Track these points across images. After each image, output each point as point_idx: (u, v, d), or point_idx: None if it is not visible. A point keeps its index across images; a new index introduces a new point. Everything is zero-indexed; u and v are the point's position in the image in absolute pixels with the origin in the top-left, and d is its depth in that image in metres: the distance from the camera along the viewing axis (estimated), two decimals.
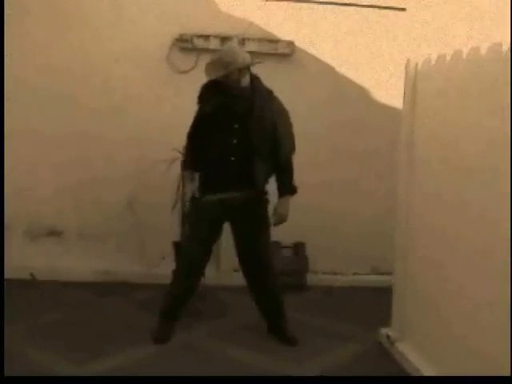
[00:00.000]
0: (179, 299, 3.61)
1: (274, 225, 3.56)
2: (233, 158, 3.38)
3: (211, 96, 3.43)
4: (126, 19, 4.63)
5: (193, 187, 3.52)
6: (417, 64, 3.33)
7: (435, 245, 3.09)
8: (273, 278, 3.62)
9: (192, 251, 3.51)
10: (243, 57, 3.39)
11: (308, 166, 4.82)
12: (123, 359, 3.25)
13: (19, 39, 4.53)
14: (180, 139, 4.39)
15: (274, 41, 4.67)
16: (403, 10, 3.80)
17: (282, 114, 3.55)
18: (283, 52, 4.69)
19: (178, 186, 4.34)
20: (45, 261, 4.63)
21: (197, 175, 3.54)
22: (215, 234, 3.57)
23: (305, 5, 4.72)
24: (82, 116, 4.64)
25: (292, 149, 3.58)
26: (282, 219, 3.55)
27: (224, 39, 4.61)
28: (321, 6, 4.72)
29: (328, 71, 4.78)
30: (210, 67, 3.38)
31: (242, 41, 4.62)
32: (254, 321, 3.85)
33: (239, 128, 3.39)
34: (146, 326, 3.76)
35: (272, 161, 3.47)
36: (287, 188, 3.57)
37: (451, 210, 2.91)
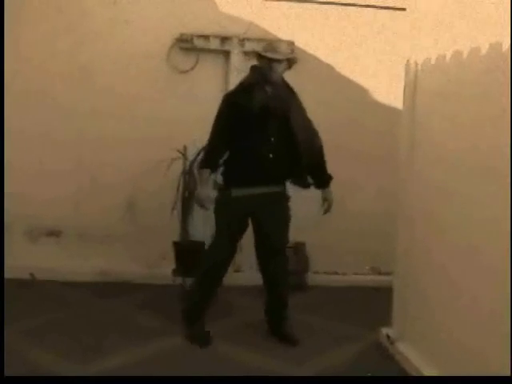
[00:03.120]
0: (207, 297, 3.62)
1: (324, 213, 3.79)
2: (271, 156, 3.47)
3: (250, 94, 3.49)
4: (126, 19, 4.63)
5: (205, 192, 3.51)
6: (417, 64, 3.33)
7: (435, 245, 3.09)
8: (287, 274, 3.71)
9: (222, 248, 3.54)
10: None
11: None
12: (123, 359, 3.25)
13: (19, 39, 4.53)
14: (180, 139, 4.42)
15: (274, 41, 4.66)
16: (403, 9, 3.79)
17: (305, 110, 3.69)
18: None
19: (178, 187, 4.35)
20: (45, 261, 4.63)
21: (211, 177, 3.55)
22: (243, 229, 3.62)
23: (305, 5, 4.72)
24: (82, 117, 4.64)
25: (321, 143, 3.77)
26: (330, 207, 3.76)
27: (224, 39, 4.62)
28: (321, 6, 4.72)
29: (328, 71, 4.78)
30: (270, 48, 3.52)
31: (242, 41, 4.63)
32: (255, 321, 3.86)
33: (278, 126, 3.50)
34: (146, 326, 3.77)
35: (305, 156, 3.59)
36: (328, 178, 3.75)
37: (451, 210, 2.91)
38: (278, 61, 3.48)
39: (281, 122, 3.48)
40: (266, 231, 3.59)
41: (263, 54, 3.51)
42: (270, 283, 3.67)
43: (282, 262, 3.65)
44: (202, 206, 3.56)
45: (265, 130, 3.46)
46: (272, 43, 3.69)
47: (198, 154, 4.37)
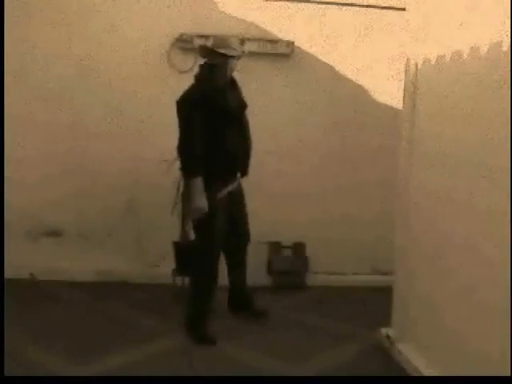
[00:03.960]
0: (211, 299, 3.70)
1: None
2: (239, 151, 3.60)
3: (220, 93, 3.54)
4: (126, 19, 4.63)
5: (203, 199, 3.44)
6: (417, 64, 3.33)
7: (435, 245, 3.09)
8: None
9: (217, 249, 3.67)
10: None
11: (307, 167, 4.83)
12: (123, 359, 3.25)
13: (19, 38, 4.53)
14: None
15: (274, 41, 4.67)
16: (403, 9, 3.79)
17: None
18: (283, 52, 4.69)
19: (178, 187, 4.35)
20: (45, 261, 4.63)
21: (201, 182, 3.45)
22: (228, 225, 3.71)
23: (305, 5, 4.71)
24: (82, 116, 4.64)
25: None
26: None
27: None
28: (321, 6, 4.72)
29: (328, 71, 4.78)
30: (224, 45, 3.52)
31: (242, 41, 4.62)
32: (254, 321, 3.86)
33: (239, 122, 3.63)
34: (146, 326, 3.77)
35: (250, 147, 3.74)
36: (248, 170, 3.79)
37: (451, 210, 2.91)
38: (233, 57, 3.56)
39: (240, 118, 3.65)
40: (240, 221, 3.82)
41: (220, 51, 3.50)
42: (239, 265, 3.95)
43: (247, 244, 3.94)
44: (200, 214, 3.50)
45: (233, 128, 3.57)
46: (224, 39, 3.66)
47: None
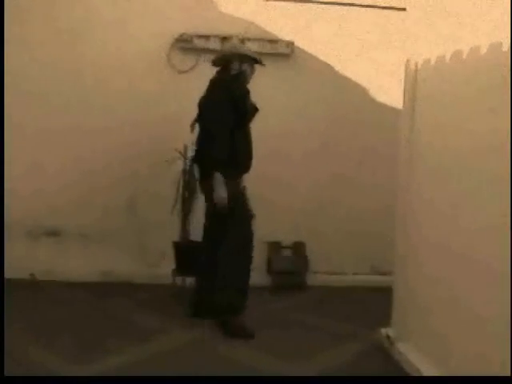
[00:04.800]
0: (248, 282, 3.76)
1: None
2: (251, 146, 3.80)
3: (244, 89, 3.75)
4: (126, 19, 4.63)
5: (225, 192, 3.59)
6: (417, 64, 3.33)
7: (435, 245, 3.09)
8: None
9: (251, 232, 3.77)
10: None
11: (307, 166, 4.83)
12: (123, 359, 3.25)
13: (19, 38, 4.53)
14: (180, 139, 4.42)
15: (274, 41, 4.68)
16: (403, 9, 3.80)
17: None
18: (283, 52, 4.69)
19: (178, 187, 4.35)
20: (45, 261, 4.63)
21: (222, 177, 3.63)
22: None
23: (305, 5, 4.72)
24: (82, 116, 4.65)
25: None
26: None
27: (224, 39, 4.62)
28: (321, 6, 4.73)
29: (328, 71, 4.78)
30: (245, 51, 3.85)
31: (242, 41, 4.63)
32: (254, 321, 3.85)
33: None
34: (146, 326, 3.76)
35: None
36: None
37: (451, 211, 2.91)
38: (257, 62, 3.84)
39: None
40: None
41: (253, 56, 3.80)
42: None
43: None
44: (224, 206, 3.61)
45: (248, 128, 3.78)
46: (242, 44, 3.95)
47: None
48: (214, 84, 3.79)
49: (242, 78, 3.79)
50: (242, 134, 3.73)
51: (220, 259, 3.72)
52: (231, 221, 3.69)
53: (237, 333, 3.61)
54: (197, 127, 3.87)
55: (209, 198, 3.75)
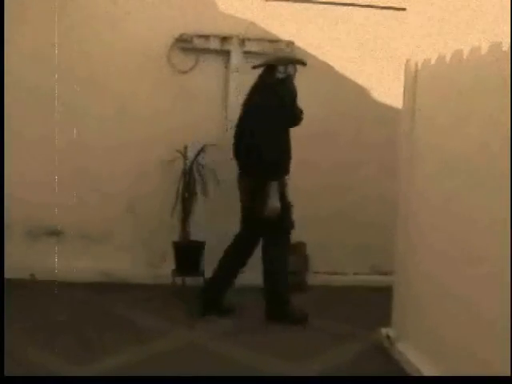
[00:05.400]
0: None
1: None
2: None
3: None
4: (127, 19, 4.62)
5: (277, 201, 3.76)
6: (417, 64, 3.33)
7: (435, 245, 3.08)
8: None
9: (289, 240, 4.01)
10: None
11: (307, 166, 4.83)
12: (123, 359, 3.25)
13: (19, 39, 4.53)
14: (180, 139, 4.43)
15: (274, 41, 4.67)
16: (403, 9, 3.80)
17: None
18: None
19: (178, 188, 4.35)
20: (45, 261, 4.63)
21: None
22: None
23: (305, 5, 4.72)
24: (82, 116, 4.64)
25: None
26: None
27: (224, 39, 4.62)
28: (321, 6, 4.72)
29: (328, 71, 4.78)
30: (289, 54, 4.12)
31: (242, 41, 4.63)
32: (254, 321, 3.86)
33: None
34: (146, 326, 3.77)
35: None
36: None
37: (451, 210, 2.91)
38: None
39: None
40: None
41: (302, 60, 3.98)
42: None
43: None
44: (276, 213, 3.76)
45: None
46: (287, 49, 4.11)
47: (199, 154, 4.39)
48: (262, 88, 3.84)
49: (289, 81, 3.86)
50: (287, 136, 3.83)
51: (270, 261, 3.90)
52: (280, 227, 3.86)
53: (295, 318, 3.81)
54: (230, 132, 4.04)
55: (259, 205, 3.78)
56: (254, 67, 3.96)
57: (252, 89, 3.91)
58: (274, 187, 3.72)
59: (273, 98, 3.74)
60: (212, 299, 3.96)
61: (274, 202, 3.73)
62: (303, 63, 3.97)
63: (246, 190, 3.91)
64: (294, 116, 3.81)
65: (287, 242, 3.99)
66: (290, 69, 3.89)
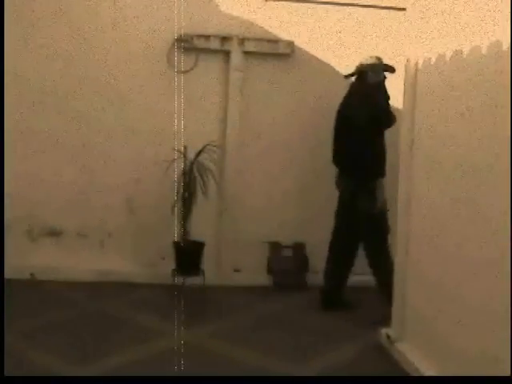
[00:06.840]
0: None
1: None
2: None
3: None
4: (127, 19, 4.62)
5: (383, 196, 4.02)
6: (417, 64, 3.33)
7: (435, 245, 3.09)
8: None
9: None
10: None
11: (308, 166, 4.83)
12: (123, 359, 3.25)
13: (21, 38, 4.54)
14: (180, 139, 4.42)
15: (274, 41, 4.67)
16: (403, 9, 3.80)
17: None
18: (283, 52, 4.69)
19: (178, 188, 4.35)
20: (45, 261, 4.63)
21: None
22: None
23: (305, 5, 4.72)
24: (82, 116, 4.64)
25: None
26: None
27: (224, 39, 4.62)
28: (321, 6, 4.72)
29: (328, 71, 4.77)
30: (378, 61, 4.16)
31: (242, 41, 4.63)
32: (254, 321, 3.86)
33: None
34: (146, 326, 3.77)
35: None
36: None
37: (450, 210, 2.91)
38: None
39: None
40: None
41: (391, 67, 4.11)
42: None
43: None
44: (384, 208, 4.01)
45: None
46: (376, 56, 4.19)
47: (199, 154, 4.39)
48: (357, 94, 4.09)
49: (383, 86, 4.08)
50: (382, 140, 4.05)
51: (381, 257, 4.09)
52: (383, 219, 4.06)
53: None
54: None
55: (366, 202, 4.00)
56: (347, 76, 4.20)
57: (347, 95, 4.17)
58: (381, 184, 4.00)
59: (369, 103, 3.97)
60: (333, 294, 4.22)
61: (382, 197, 4.00)
62: (393, 70, 4.11)
63: (346, 190, 4.17)
64: (389, 119, 4.00)
65: (388, 248, 4.09)
66: (382, 75, 4.09)
